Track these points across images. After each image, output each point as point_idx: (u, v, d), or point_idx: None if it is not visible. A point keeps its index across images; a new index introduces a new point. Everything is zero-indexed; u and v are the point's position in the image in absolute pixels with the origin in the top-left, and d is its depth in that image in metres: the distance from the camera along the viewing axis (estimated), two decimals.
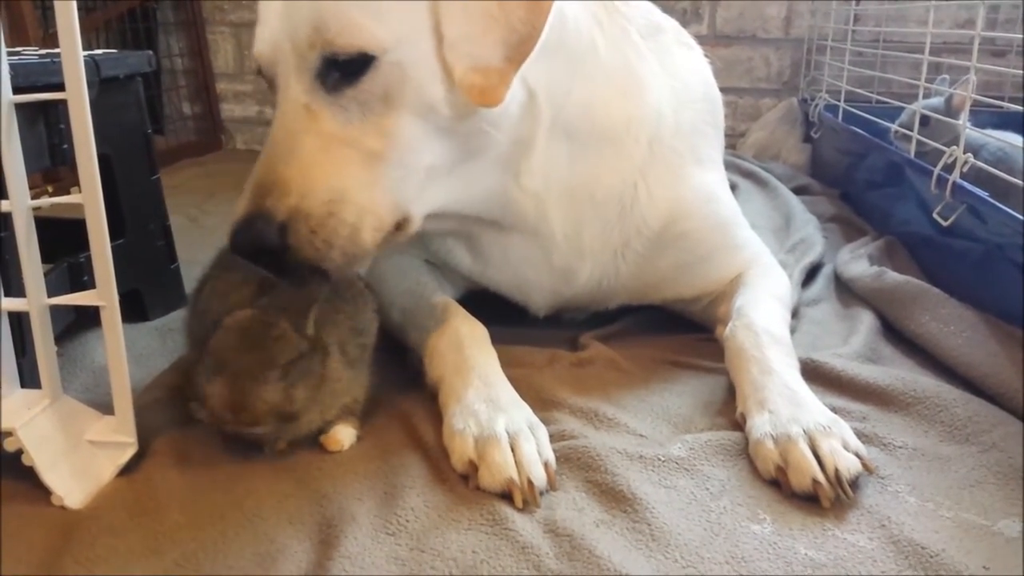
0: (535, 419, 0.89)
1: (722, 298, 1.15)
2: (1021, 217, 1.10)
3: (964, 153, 1.24)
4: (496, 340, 1.03)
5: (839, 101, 2.02)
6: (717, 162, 1.19)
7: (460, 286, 1.17)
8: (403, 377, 1.03)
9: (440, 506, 0.79)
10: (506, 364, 0.99)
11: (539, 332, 1.18)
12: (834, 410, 0.92)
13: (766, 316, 1.04)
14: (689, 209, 1.10)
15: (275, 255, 0.81)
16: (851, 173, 1.92)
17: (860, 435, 0.88)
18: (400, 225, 0.89)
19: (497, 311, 1.13)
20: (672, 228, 1.09)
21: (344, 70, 0.82)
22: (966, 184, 1.23)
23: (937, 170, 1.28)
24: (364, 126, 0.83)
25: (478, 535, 0.75)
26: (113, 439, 0.85)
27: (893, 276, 1.26)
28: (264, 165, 0.83)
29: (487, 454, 0.82)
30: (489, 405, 0.88)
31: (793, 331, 1.16)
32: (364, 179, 0.83)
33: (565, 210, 1.04)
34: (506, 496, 0.79)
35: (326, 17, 0.81)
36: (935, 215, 1.27)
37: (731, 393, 0.99)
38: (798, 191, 1.98)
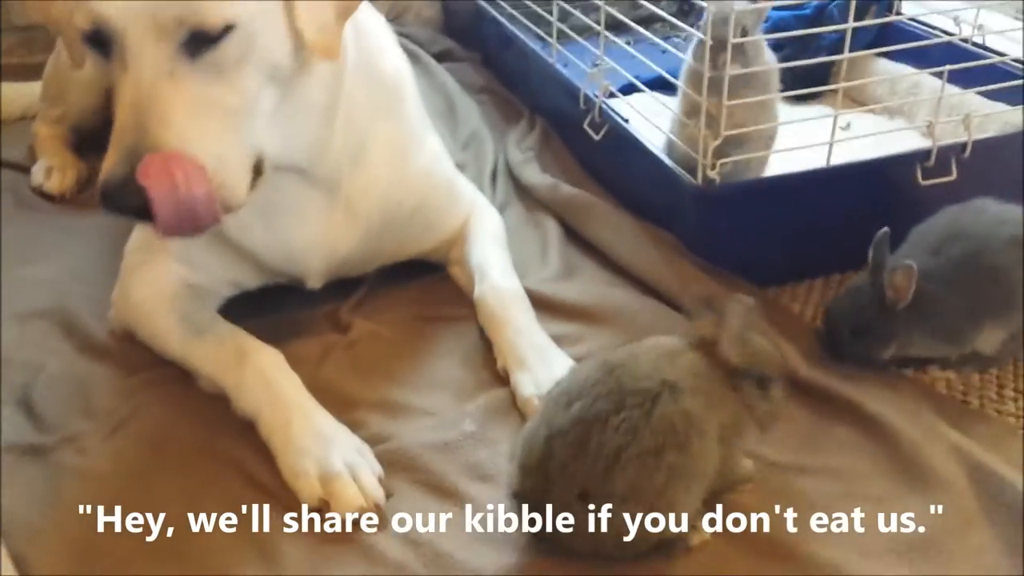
0: (357, 440, 1.04)
1: (452, 241, 1.35)
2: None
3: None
4: (262, 337, 1.14)
5: None
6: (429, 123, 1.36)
7: (218, 298, 1.24)
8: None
9: (312, 548, 0.94)
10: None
11: (297, 316, 1.29)
12: (555, 336, 1.20)
13: (501, 271, 1.27)
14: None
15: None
16: (483, 30, 2.05)
17: (582, 357, 1.14)
18: (257, 168, 1.03)
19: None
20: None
21: (206, 39, 0.93)
22: (610, 110, 1.49)
23: (587, 90, 1.52)
24: (222, 86, 0.96)
25: (357, 567, 0.92)
26: None
27: (567, 189, 1.51)
28: (133, 129, 0.92)
29: (335, 491, 0.97)
30: (316, 439, 1.02)
31: None
32: (232, 136, 0.97)
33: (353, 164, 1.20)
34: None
35: None
36: (585, 127, 1.52)
37: (483, 343, 1.22)
38: (440, 57, 2.10)
